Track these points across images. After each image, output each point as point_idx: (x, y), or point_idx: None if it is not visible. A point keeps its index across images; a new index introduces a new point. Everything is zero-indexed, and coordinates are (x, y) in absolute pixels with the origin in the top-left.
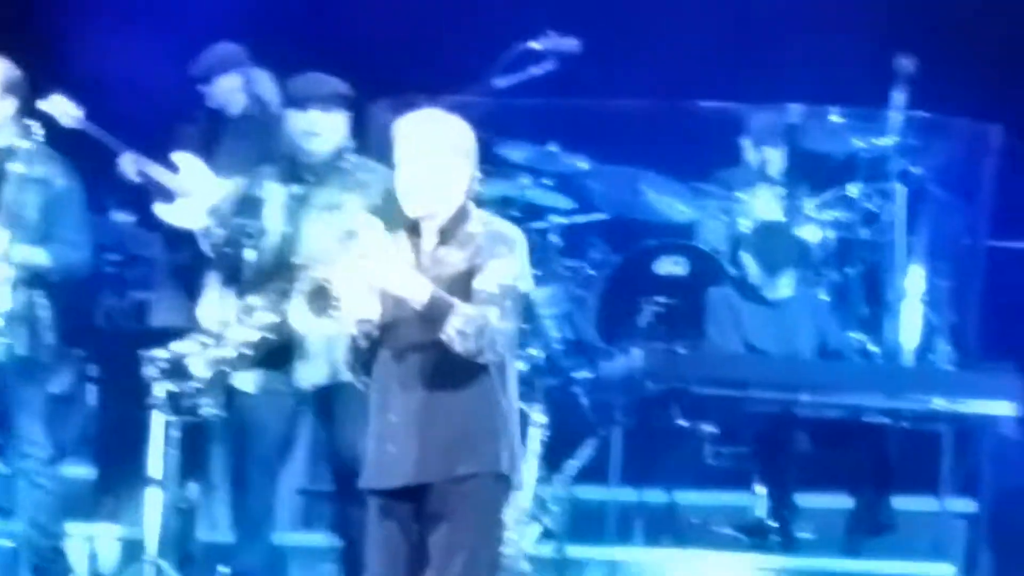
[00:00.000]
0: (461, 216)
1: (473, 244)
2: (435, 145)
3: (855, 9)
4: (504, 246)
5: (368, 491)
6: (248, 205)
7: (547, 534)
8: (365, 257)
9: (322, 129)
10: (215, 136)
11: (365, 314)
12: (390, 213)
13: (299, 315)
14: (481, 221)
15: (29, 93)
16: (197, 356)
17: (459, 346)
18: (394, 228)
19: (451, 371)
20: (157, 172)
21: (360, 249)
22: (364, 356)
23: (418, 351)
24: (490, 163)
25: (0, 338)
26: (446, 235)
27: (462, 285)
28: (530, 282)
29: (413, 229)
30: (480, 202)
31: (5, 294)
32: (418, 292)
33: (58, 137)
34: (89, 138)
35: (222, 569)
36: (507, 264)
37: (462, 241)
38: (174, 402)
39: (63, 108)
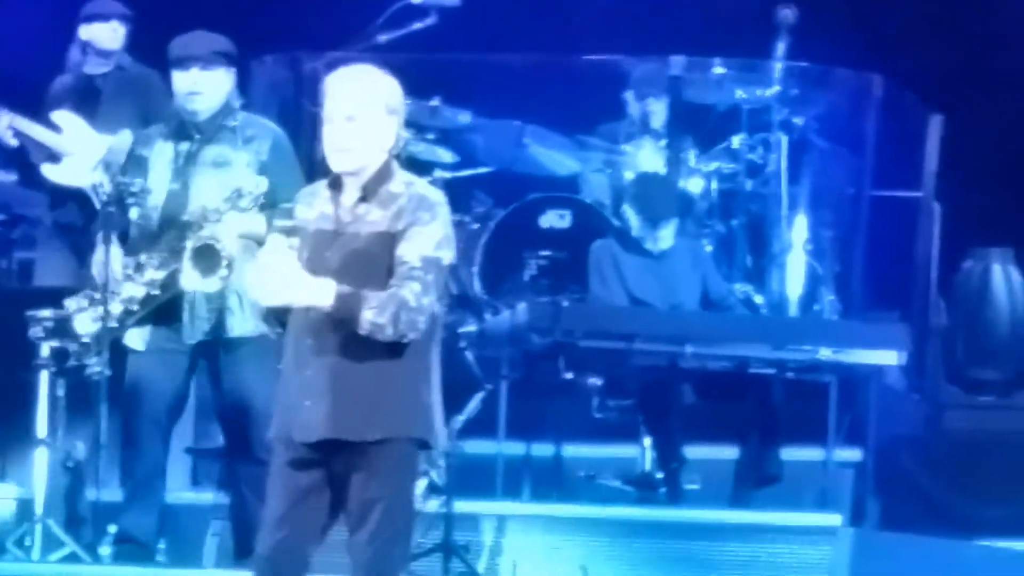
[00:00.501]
0: (384, 174)
1: (395, 205)
2: (362, 101)
3: None
4: (427, 212)
5: (278, 440)
6: (134, 163)
7: (434, 488)
8: (264, 272)
9: (203, 87)
10: (91, 93)
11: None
12: (279, 172)
13: (187, 274)
14: (404, 181)
15: None
16: (83, 314)
17: (379, 335)
18: (284, 185)
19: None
20: (36, 131)
21: (260, 265)
22: (278, 309)
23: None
24: None
25: None
26: (368, 192)
27: (379, 244)
28: (452, 249)
29: (335, 183)
30: None
31: None
32: (323, 297)
33: None
34: None
35: (111, 528)
36: (430, 232)
37: (383, 199)
38: (60, 361)
39: None
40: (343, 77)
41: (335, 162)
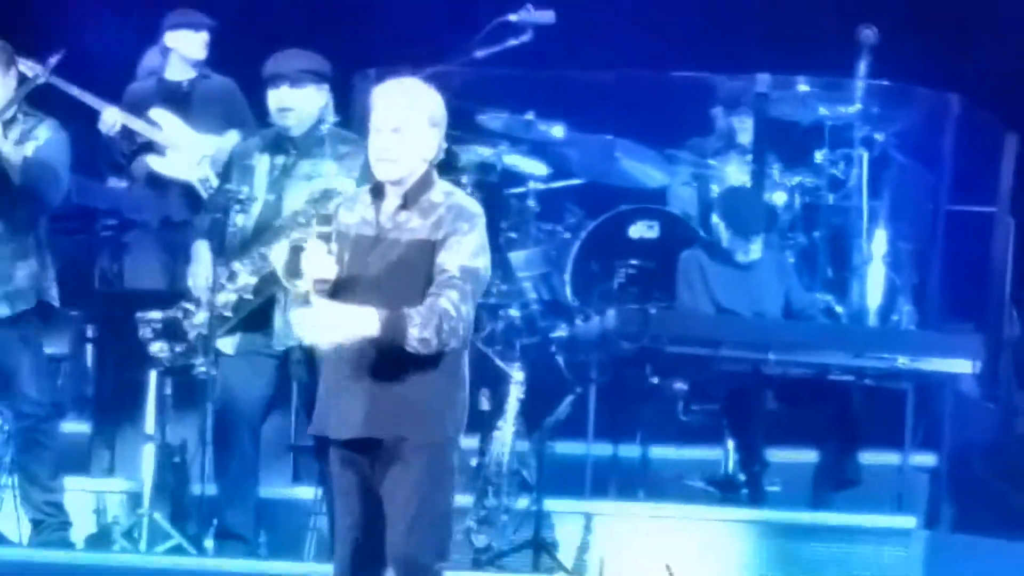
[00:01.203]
0: (425, 183)
1: (435, 214)
2: (405, 113)
3: None
4: (466, 222)
5: (322, 439)
6: (240, 171)
7: (524, 487)
8: (313, 314)
9: (293, 104)
10: (177, 97)
11: (322, 275)
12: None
13: (280, 276)
14: (443, 191)
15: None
16: (187, 318)
17: (424, 349)
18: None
19: None
20: (141, 126)
21: (307, 314)
22: None
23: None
24: (470, 131)
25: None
26: (409, 200)
27: (419, 252)
28: (488, 259)
29: (377, 191)
30: (461, 168)
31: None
32: (370, 327)
33: (43, 99)
34: (73, 101)
35: (215, 521)
36: (468, 242)
37: (424, 208)
38: (168, 362)
39: (40, 68)
40: (389, 90)
41: (379, 171)
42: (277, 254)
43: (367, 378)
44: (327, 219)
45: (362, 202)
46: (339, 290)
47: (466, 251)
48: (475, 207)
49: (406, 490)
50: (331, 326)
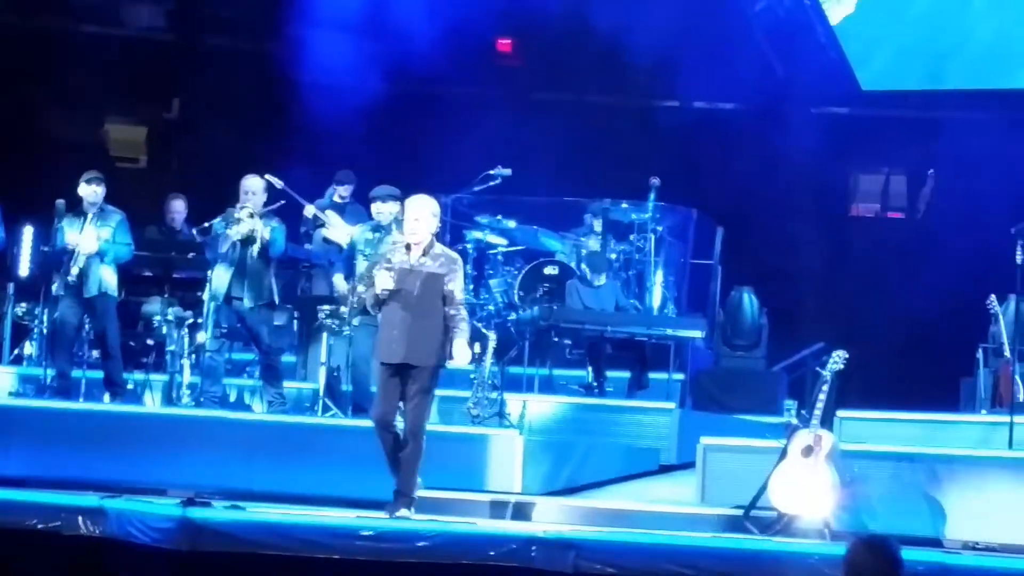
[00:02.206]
0: (431, 244)
1: (439, 259)
2: (421, 210)
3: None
4: (455, 265)
5: (382, 363)
6: (367, 242)
7: (495, 388)
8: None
9: (383, 211)
10: (338, 209)
11: (386, 286)
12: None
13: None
14: (441, 248)
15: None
16: (339, 308)
17: (464, 336)
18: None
19: (425, 314)
20: (322, 215)
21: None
22: (381, 303)
23: (409, 307)
24: (470, 224)
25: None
26: (424, 252)
27: (433, 279)
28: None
29: (408, 247)
30: (468, 240)
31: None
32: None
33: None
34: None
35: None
36: (460, 277)
37: (432, 256)
38: (334, 327)
39: (278, 181)
40: (413, 199)
41: (409, 236)
42: (372, 275)
43: (405, 334)
44: (389, 260)
45: (400, 252)
46: (392, 295)
47: (460, 283)
48: (457, 256)
49: (417, 387)
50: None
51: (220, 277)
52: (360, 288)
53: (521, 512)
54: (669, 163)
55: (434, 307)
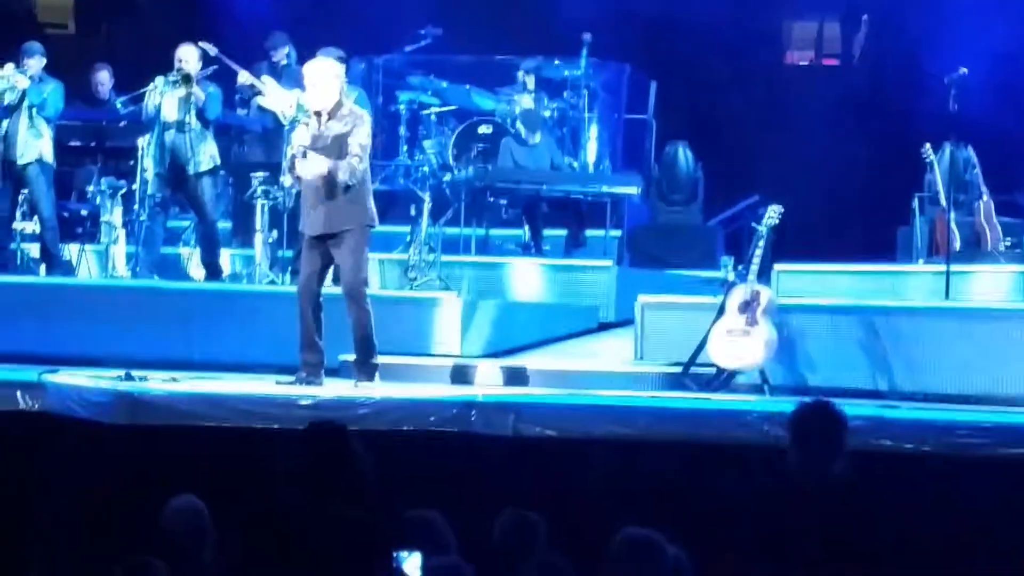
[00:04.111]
0: (338, 106)
1: (345, 119)
2: (316, 75)
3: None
4: (360, 120)
5: (306, 235)
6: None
7: (431, 250)
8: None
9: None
10: (275, 72)
11: (304, 142)
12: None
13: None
14: (348, 107)
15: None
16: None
17: (342, 180)
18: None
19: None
20: (257, 83)
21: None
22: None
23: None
24: (405, 86)
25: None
26: (331, 116)
27: (341, 140)
28: (370, 138)
29: (317, 114)
30: (400, 102)
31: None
32: (321, 168)
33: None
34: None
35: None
36: (363, 132)
37: (339, 118)
38: (266, 196)
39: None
40: (309, 65)
41: (311, 104)
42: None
43: (323, 203)
44: (308, 117)
45: (312, 119)
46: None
47: (362, 137)
48: (366, 113)
49: (345, 253)
50: (311, 168)
51: (158, 144)
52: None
53: (458, 375)
54: (601, 17)
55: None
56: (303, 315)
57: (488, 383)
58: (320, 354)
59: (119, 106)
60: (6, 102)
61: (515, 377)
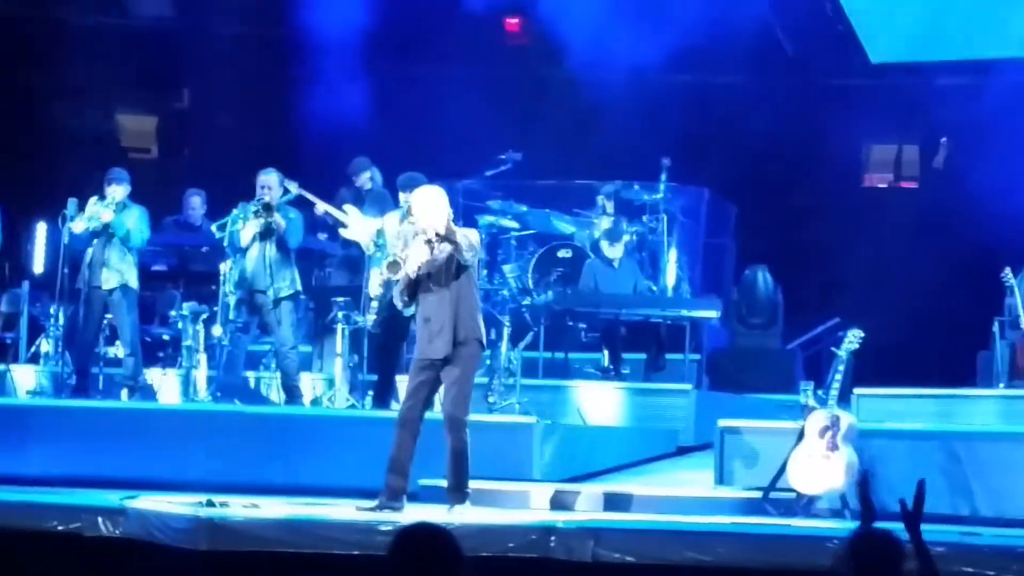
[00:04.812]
0: (448, 231)
1: (455, 238)
2: (430, 199)
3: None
4: (469, 234)
5: (415, 360)
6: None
7: (511, 375)
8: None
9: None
10: (360, 200)
11: (412, 271)
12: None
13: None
14: (456, 229)
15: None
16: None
17: (463, 243)
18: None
19: (460, 298)
20: (338, 214)
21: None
22: (412, 296)
23: (443, 296)
24: (485, 209)
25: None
26: (443, 239)
27: (452, 261)
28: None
29: (428, 242)
30: (482, 226)
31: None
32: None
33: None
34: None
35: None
36: (472, 234)
37: (450, 240)
38: (347, 320)
39: (293, 185)
40: (414, 194)
41: (426, 230)
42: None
43: (447, 326)
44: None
45: (421, 245)
46: (422, 290)
47: (471, 235)
48: (473, 230)
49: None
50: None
51: (240, 270)
52: (381, 278)
53: (539, 501)
54: (680, 141)
55: (465, 287)
56: (400, 440)
57: (573, 508)
58: (407, 480)
59: (215, 230)
60: (91, 229)
61: (601, 503)
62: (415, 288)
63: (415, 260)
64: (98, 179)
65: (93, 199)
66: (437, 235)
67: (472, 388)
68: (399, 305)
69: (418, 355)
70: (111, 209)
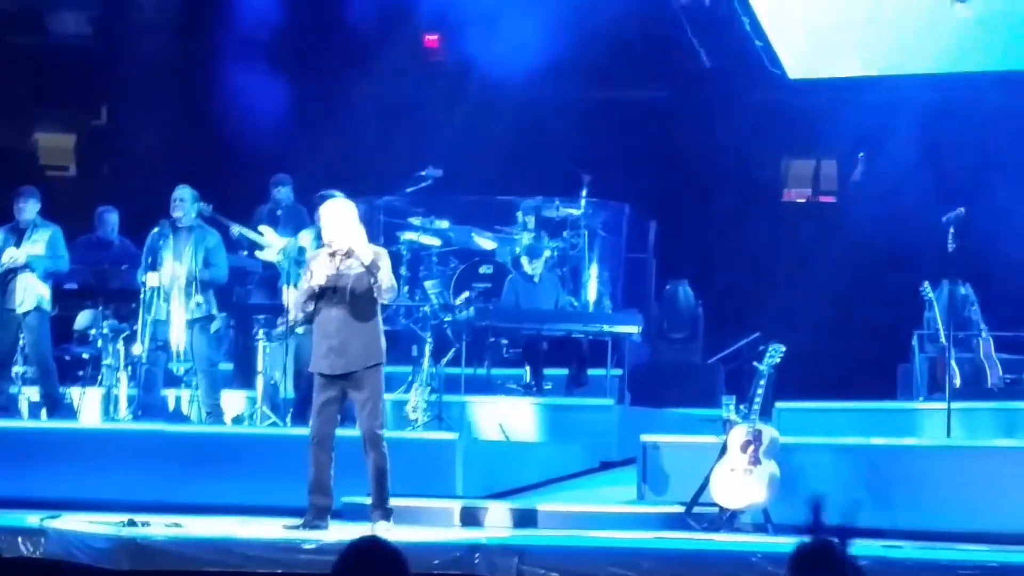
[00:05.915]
0: (356, 246)
1: (364, 256)
2: (341, 214)
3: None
4: (382, 255)
5: (319, 374)
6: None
7: (433, 392)
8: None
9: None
10: (275, 217)
11: (319, 282)
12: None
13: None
14: (366, 245)
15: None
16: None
17: (385, 285)
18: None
19: (361, 316)
20: (250, 234)
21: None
22: (312, 312)
23: (343, 312)
24: (406, 226)
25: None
26: (348, 255)
27: (362, 277)
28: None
29: (332, 255)
30: (402, 242)
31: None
32: (366, 260)
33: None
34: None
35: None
36: (387, 264)
37: (357, 256)
38: (268, 335)
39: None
40: (326, 206)
41: (334, 244)
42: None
43: (345, 341)
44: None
45: (325, 258)
46: (324, 304)
47: (387, 267)
48: (384, 250)
49: (366, 395)
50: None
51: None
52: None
53: (462, 518)
54: (600, 157)
55: (368, 307)
56: (316, 459)
57: (497, 525)
58: (330, 498)
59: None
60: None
61: (524, 519)
62: (317, 301)
63: (320, 272)
64: (12, 198)
65: (10, 249)
66: (343, 251)
67: (384, 402)
68: (298, 318)
69: (317, 370)
70: (24, 252)
